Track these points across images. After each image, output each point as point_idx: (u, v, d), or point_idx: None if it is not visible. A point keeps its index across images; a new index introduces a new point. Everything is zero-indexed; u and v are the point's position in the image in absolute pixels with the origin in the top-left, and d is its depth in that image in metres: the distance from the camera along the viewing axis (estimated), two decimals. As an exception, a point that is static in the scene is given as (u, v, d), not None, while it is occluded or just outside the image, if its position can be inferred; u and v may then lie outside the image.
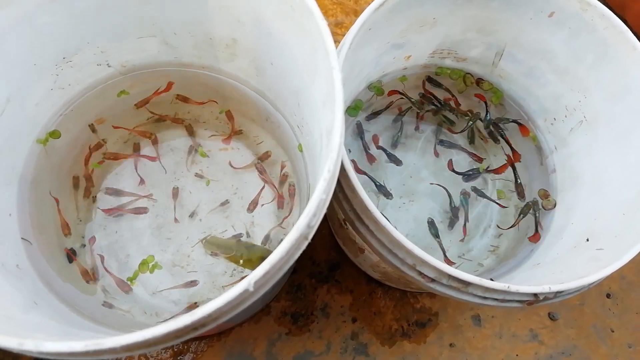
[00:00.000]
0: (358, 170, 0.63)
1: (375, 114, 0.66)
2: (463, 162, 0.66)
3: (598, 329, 0.70)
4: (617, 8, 0.87)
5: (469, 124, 0.66)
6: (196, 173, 0.62)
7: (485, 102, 0.67)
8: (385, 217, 0.41)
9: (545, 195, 0.62)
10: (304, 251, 0.33)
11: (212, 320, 0.30)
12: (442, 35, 0.60)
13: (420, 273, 0.42)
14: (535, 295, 0.41)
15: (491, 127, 0.66)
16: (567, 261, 0.48)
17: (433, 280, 0.41)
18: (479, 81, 0.67)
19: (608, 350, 0.69)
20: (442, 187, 0.64)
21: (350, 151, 0.64)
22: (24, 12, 0.45)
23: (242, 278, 0.33)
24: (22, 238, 0.50)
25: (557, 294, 0.41)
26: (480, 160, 0.66)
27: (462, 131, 0.67)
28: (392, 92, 0.66)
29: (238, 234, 0.59)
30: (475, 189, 0.64)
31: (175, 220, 0.60)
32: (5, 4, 0.43)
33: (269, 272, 0.29)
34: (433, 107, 0.67)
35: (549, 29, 0.55)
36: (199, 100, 0.62)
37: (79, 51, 0.52)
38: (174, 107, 0.63)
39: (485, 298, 0.41)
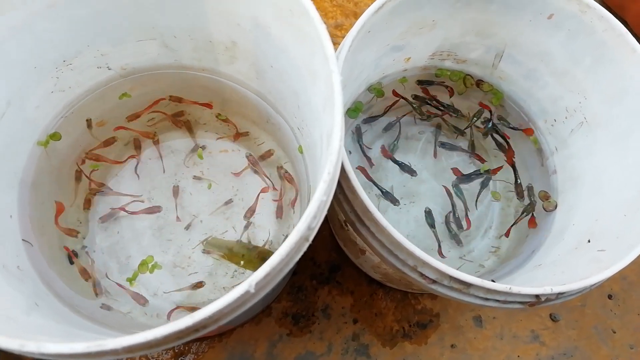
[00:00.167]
0: (367, 177, 0.63)
1: (373, 118, 0.66)
2: (463, 163, 0.66)
3: (599, 330, 0.70)
4: (616, 9, 0.87)
5: (473, 120, 0.66)
6: (194, 175, 0.62)
7: (491, 111, 0.67)
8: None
9: (545, 196, 0.62)
10: (305, 252, 0.33)
11: (213, 321, 0.30)
12: (442, 37, 0.60)
13: (422, 274, 0.42)
14: (537, 296, 0.41)
15: (491, 135, 0.66)
16: (568, 262, 0.48)
17: (434, 282, 0.41)
18: (479, 83, 0.67)
19: (609, 351, 0.69)
20: (445, 187, 0.64)
21: (350, 152, 0.64)
22: (24, 18, 0.45)
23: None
24: (23, 240, 0.51)
25: (559, 295, 0.41)
26: (482, 160, 0.66)
27: (466, 127, 0.67)
28: (395, 94, 0.66)
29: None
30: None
31: (177, 219, 0.60)
32: (5, 9, 0.43)
33: (270, 273, 0.29)
34: (436, 110, 0.67)
35: (547, 31, 0.55)
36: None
37: (79, 54, 0.52)
38: (172, 109, 0.63)
39: (486, 299, 0.41)
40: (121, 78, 0.58)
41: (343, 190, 0.44)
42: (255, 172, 0.62)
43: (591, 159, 0.55)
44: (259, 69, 0.53)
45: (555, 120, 0.61)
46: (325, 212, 0.34)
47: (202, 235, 0.60)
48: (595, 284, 0.42)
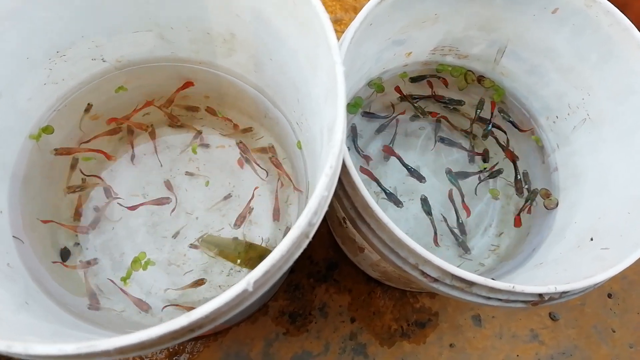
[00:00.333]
0: (373, 178, 0.62)
1: (371, 114, 0.65)
2: (462, 160, 0.65)
3: (599, 329, 0.69)
4: (619, 6, 0.87)
5: (477, 112, 0.65)
6: (186, 171, 0.61)
7: (493, 112, 0.66)
8: (384, 215, 0.40)
9: (546, 194, 0.61)
10: (303, 250, 0.32)
11: (209, 321, 0.29)
12: (444, 32, 0.59)
13: (423, 273, 0.41)
14: (541, 295, 0.40)
15: (491, 135, 0.66)
16: (571, 261, 0.48)
17: (436, 280, 0.41)
18: (480, 78, 0.66)
19: (609, 350, 0.68)
20: (453, 183, 0.64)
21: (349, 149, 0.63)
22: (15, 5, 0.43)
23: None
24: (13, 236, 0.49)
25: (563, 294, 0.40)
26: (481, 155, 0.65)
27: (472, 123, 0.66)
28: (399, 92, 0.65)
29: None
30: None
31: (173, 207, 0.59)
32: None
33: (269, 271, 0.28)
34: (439, 109, 0.66)
35: (552, 27, 0.54)
36: (196, 100, 0.61)
37: (73, 45, 0.51)
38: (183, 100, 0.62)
39: (489, 298, 0.40)
40: (116, 70, 0.57)
41: (343, 186, 0.43)
42: (247, 160, 0.61)
43: (595, 156, 0.54)
44: (257, 61, 0.52)
45: (557, 117, 0.60)
46: (326, 208, 0.33)
47: (198, 233, 0.58)
48: (599, 283, 0.41)
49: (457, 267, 0.39)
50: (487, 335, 0.67)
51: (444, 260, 0.39)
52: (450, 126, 0.66)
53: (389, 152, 0.64)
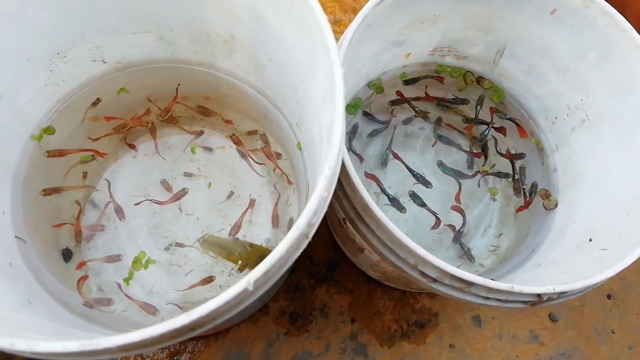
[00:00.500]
0: (377, 182, 0.62)
1: (369, 115, 0.65)
2: (461, 160, 0.66)
3: (598, 330, 0.69)
4: (617, 7, 0.87)
5: (477, 109, 0.65)
6: (184, 172, 0.61)
7: (492, 118, 0.66)
8: (383, 216, 0.41)
9: (546, 195, 0.61)
10: (303, 250, 0.32)
11: (210, 320, 0.29)
12: (443, 32, 0.60)
13: (422, 273, 0.41)
14: (539, 295, 0.40)
15: (487, 141, 0.66)
16: (570, 261, 0.48)
17: (435, 281, 0.41)
18: (479, 79, 0.66)
19: (608, 351, 0.68)
20: (447, 173, 0.64)
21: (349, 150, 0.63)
22: (15, 5, 0.44)
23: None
24: (15, 236, 0.49)
25: (561, 294, 0.40)
26: (479, 156, 0.65)
27: (475, 120, 0.66)
28: (399, 94, 0.65)
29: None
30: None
31: (166, 202, 0.59)
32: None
33: (269, 271, 0.28)
34: (441, 111, 0.67)
35: (550, 27, 0.54)
36: (196, 100, 0.62)
37: (73, 46, 0.51)
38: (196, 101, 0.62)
39: (488, 298, 0.41)
40: (117, 72, 0.57)
41: (342, 187, 0.43)
42: (242, 153, 0.61)
43: (594, 157, 0.55)
44: (257, 62, 0.52)
45: (556, 118, 0.61)
46: (325, 209, 0.33)
47: (199, 233, 0.59)
48: (598, 283, 0.41)
49: (457, 267, 0.40)
50: (487, 336, 0.67)
51: (443, 261, 0.39)
52: (449, 127, 0.66)
53: (396, 157, 0.64)
